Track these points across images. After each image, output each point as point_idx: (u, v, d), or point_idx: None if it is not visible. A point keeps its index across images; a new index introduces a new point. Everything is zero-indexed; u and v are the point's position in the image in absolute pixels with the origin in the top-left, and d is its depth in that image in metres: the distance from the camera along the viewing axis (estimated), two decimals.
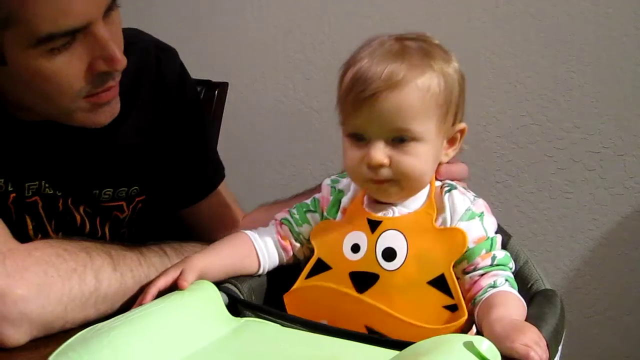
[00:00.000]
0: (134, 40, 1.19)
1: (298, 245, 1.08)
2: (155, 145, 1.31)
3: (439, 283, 0.94)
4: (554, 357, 0.84)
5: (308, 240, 1.06)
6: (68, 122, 1.15)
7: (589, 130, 1.92)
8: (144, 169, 1.31)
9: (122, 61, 1.07)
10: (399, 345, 0.85)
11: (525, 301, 0.93)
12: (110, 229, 1.32)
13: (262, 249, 1.06)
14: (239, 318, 0.96)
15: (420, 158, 0.96)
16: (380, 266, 0.96)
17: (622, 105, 1.88)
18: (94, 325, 0.90)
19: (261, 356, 0.89)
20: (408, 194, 1.00)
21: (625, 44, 1.86)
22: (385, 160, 0.95)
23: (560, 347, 0.88)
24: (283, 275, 1.07)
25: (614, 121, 1.89)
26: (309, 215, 1.08)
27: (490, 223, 0.99)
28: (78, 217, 1.28)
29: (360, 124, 0.96)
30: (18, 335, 0.97)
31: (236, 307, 0.99)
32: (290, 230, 1.08)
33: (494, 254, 0.96)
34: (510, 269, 0.97)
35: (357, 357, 0.87)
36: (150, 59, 1.29)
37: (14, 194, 1.20)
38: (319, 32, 2.20)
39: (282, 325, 0.94)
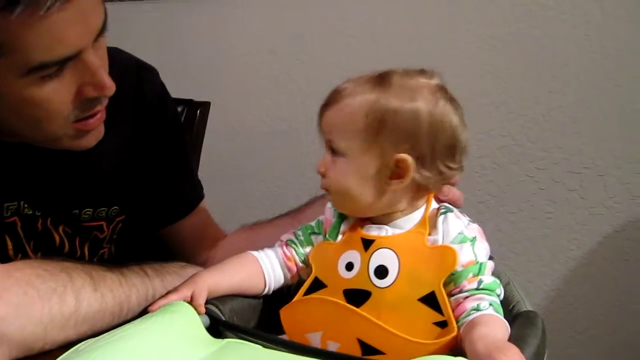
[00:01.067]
0: (115, 59, 1.18)
1: (303, 266, 1.09)
2: (134, 165, 1.31)
3: (430, 300, 0.94)
4: None
5: None
6: (53, 147, 1.15)
7: (569, 150, 1.93)
8: (123, 189, 1.30)
9: (111, 87, 1.07)
10: None
11: (507, 322, 0.94)
12: (90, 249, 1.31)
13: (269, 269, 1.08)
14: (220, 339, 0.96)
15: (343, 173, 1.01)
16: (373, 283, 0.97)
17: (603, 126, 1.90)
18: (76, 346, 0.89)
19: None
20: (346, 209, 1.05)
21: (605, 66, 1.87)
22: (322, 169, 1.03)
23: None
24: (265, 298, 1.07)
25: (595, 142, 1.91)
26: (313, 237, 1.09)
27: (482, 248, 0.99)
28: (57, 237, 1.27)
29: (321, 130, 1.04)
30: None
31: (217, 328, 0.98)
32: (296, 252, 1.09)
33: (480, 278, 0.96)
34: (498, 295, 0.97)
35: None
36: (131, 78, 1.29)
37: None
38: (301, 52, 2.20)
39: (264, 346, 0.94)
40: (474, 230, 1.00)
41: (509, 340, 0.88)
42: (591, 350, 1.98)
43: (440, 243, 0.99)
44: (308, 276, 1.06)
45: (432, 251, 0.98)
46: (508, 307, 1.00)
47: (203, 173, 1.49)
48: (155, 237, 1.43)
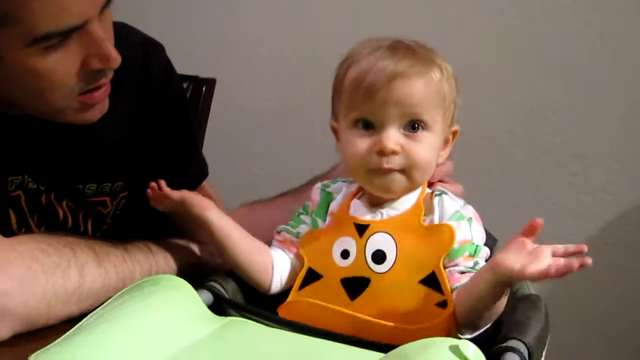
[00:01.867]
0: (121, 34, 1.17)
1: (295, 241, 1.07)
2: (139, 141, 1.30)
3: (430, 281, 0.94)
4: None
5: None
6: (57, 120, 1.14)
7: (574, 134, 1.93)
8: (127, 164, 1.30)
9: (116, 59, 1.06)
10: (385, 347, 0.85)
11: (510, 306, 0.94)
12: (93, 224, 1.30)
13: (277, 258, 1.06)
14: (222, 317, 0.96)
15: (429, 148, 0.98)
16: (371, 269, 0.96)
17: (606, 116, 1.89)
18: (80, 323, 0.89)
19: (244, 355, 0.88)
20: (411, 187, 1.00)
21: (609, 52, 1.87)
22: (397, 147, 0.96)
23: (544, 352, 0.89)
24: None
25: (598, 128, 1.90)
26: (302, 217, 1.08)
27: (478, 231, 0.99)
28: (61, 212, 1.26)
29: (371, 111, 0.97)
30: (0, 330, 0.96)
31: (220, 306, 0.98)
32: (289, 233, 1.07)
33: (476, 260, 0.96)
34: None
35: (341, 357, 0.87)
36: (137, 54, 1.28)
37: None
38: (306, 31, 2.19)
39: (267, 325, 0.94)
40: (470, 211, 1.00)
41: (512, 324, 0.89)
42: (593, 335, 1.99)
43: (436, 222, 0.98)
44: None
45: (429, 230, 0.97)
46: (512, 290, 1.01)
47: (207, 150, 1.49)
48: (158, 214, 1.43)
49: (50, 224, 1.25)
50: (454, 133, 1.05)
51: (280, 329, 0.93)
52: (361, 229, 0.99)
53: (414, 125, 0.97)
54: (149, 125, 1.30)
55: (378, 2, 2.08)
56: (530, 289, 1.01)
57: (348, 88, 0.99)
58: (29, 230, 1.23)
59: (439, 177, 1.09)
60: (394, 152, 0.96)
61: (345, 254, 0.98)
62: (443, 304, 0.92)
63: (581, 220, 1.95)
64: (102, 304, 0.98)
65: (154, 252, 1.15)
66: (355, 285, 0.96)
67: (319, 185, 1.10)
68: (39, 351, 0.82)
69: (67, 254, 1.05)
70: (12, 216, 1.21)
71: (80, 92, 1.08)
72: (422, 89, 0.96)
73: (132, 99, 1.27)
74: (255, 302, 1.03)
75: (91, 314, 0.92)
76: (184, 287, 0.97)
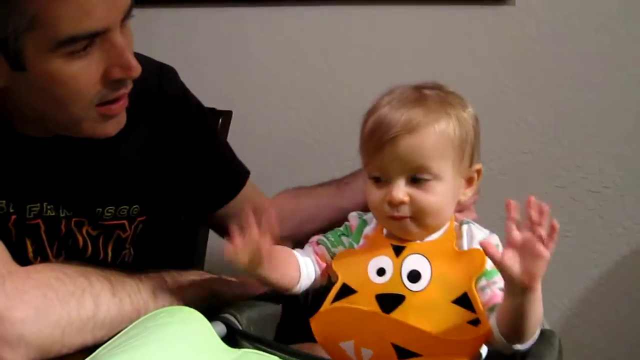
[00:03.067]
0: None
1: (327, 263, 1.12)
2: (158, 164, 1.32)
3: (463, 301, 0.98)
4: None
5: None
6: (75, 134, 1.16)
7: (589, 169, 1.92)
8: (145, 187, 1.31)
9: (137, 68, 1.09)
10: None
11: None
12: (113, 250, 1.32)
13: (303, 266, 1.11)
14: (236, 349, 0.96)
15: (437, 195, 1.02)
16: (406, 287, 1.00)
17: (624, 145, 1.89)
18: (95, 352, 0.89)
19: None
20: (427, 232, 1.05)
21: (628, 84, 1.86)
22: (405, 198, 1.01)
23: None
24: (282, 308, 1.07)
25: (615, 161, 1.90)
26: (343, 239, 1.13)
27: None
28: (80, 239, 1.27)
29: (381, 166, 1.03)
30: (14, 358, 0.97)
31: (234, 337, 0.98)
32: (327, 250, 1.13)
33: None
34: None
35: None
36: (152, 79, 1.30)
37: (14, 216, 1.20)
38: (322, 62, 2.20)
39: (280, 357, 0.94)
40: (497, 239, 1.04)
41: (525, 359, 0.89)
42: None
43: (465, 248, 1.04)
44: (336, 279, 1.08)
45: (462, 254, 1.02)
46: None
47: None
48: (173, 241, 1.44)
49: (69, 252, 1.27)
50: (478, 171, 1.09)
51: None
52: (398, 249, 1.04)
53: (419, 177, 1.01)
54: (171, 147, 1.32)
55: (396, 39, 2.09)
56: (545, 324, 1.00)
57: (364, 140, 1.06)
58: (45, 259, 1.24)
59: (464, 207, 1.15)
60: (402, 203, 1.02)
61: (381, 272, 1.03)
62: (475, 322, 0.96)
63: (596, 255, 1.94)
64: (116, 334, 0.99)
65: (168, 283, 1.16)
66: (389, 301, 1.00)
67: (354, 213, 1.16)
68: None
69: (83, 283, 1.06)
70: (29, 245, 1.23)
71: (100, 102, 1.10)
72: (424, 142, 1.01)
73: (150, 122, 1.29)
74: (269, 335, 1.05)
75: (106, 344, 0.92)
76: (198, 319, 0.97)
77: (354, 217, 1.15)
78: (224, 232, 1.34)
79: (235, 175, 1.45)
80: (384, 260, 1.04)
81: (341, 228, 1.15)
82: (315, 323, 1.03)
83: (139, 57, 1.24)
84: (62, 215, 1.24)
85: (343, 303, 1.03)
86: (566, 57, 1.91)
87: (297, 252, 1.13)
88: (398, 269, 1.02)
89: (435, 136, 1.01)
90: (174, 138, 1.32)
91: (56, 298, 1.03)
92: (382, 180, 1.04)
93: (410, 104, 1.03)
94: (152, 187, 1.32)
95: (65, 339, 1.02)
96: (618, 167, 1.90)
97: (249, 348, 0.96)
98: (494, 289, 0.98)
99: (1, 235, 1.12)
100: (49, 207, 1.22)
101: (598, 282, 1.95)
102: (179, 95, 1.36)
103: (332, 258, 1.12)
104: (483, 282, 0.99)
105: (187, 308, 1.00)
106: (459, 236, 1.05)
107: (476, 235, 1.05)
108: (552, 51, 1.92)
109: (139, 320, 0.97)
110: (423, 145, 1.01)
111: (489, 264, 0.98)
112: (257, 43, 2.31)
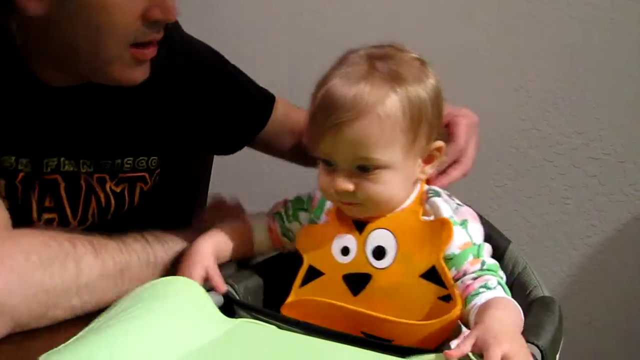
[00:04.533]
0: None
1: (287, 240, 1.11)
2: (178, 110, 1.35)
3: (431, 275, 0.94)
4: None
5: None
6: (101, 77, 1.18)
7: (589, 136, 1.92)
8: (164, 137, 1.34)
9: (175, 13, 1.14)
10: (396, 349, 0.85)
11: (524, 308, 0.93)
12: (138, 202, 1.34)
13: (257, 237, 1.12)
14: (233, 319, 0.96)
15: (386, 184, 0.96)
16: (372, 265, 0.97)
17: (624, 112, 1.88)
18: (89, 325, 0.89)
19: (255, 357, 0.88)
20: (380, 213, 1.00)
21: (628, 51, 1.85)
22: (350, 187, 0.96)
23: (558, 355, 0.88)
24: (279, 277, 1.07)
25: (615, 127, 1.89)
26: (300, 215, 1.09)
27: (476, 230, 0.99)
28: (102, 196, 1.29)
29: (326, 151, 0.97)
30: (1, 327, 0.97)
31: (231, 307, 0.98)
32: (281, 227, 1.11)
33: (482, 260, 0.95)
34: (501, 277, 0.96)
35: None
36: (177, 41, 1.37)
37: (22, 173, 1.20)
38: (321, 30, 2.18)
39: (278, 327, 0.94)
40: (464, 213, 1.00)
41: (526, 326, 0.88)
42: (607, 337, 1.97)
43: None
44: (290, 247, 1.09)
45: (427, 225, 0.98)
46: (525, 292, 1.00)
47: (220, 159, 1.50)
48: (177, 198, 1.45)
49: (90, 210, 1.29)
50: (438, 149, 1.02)
51: (291, 330, 0.93)
52: (360, 225, 1.00)
53: (366, 166, 0.95)
54: (189, 92, 1.35)
55: (391, 4, 2.07)
56: (544, 291, 1.00)
57: (311, 117, 0.99)
58: (63, 218, 1.26)
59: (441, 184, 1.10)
60: (346, 191, 0.96)
61: (345, 251, 0.99)
62: (446, 298, 0.93)
63: (597, 222, 1.94)
64: (101, 295, 1.03)
65: (150, 242, 1.17)
66: (357, 281, 0.97)
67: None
68: (49, 352, 0.82)
69: (67, 247, 1.06)
70: (34, 203, 1.23)
71: (135, 42, 1.13)
72: (369, 130, 0.93)
73: (167, 71, 1.32)
74: (267, 304, 1.04)
75: (101, 314, 0.92)
76: (195, 289, 0.97)
77: (318, 193, 1.08)
78: (270, 151, 1.55)
79: (261, 104, 1.49)
80: (347, 239, 1.00)
81: (304, 198, 1.10)
82: (286, 311, 0.99)
83: None
84: (82, 170, 1.26)
85: (311, 289, 1.00)
86: (565, 22, 1.89)
87: (253, 223, 1.13)
88: (362, 247, 0.98)
89: (380, 123, 0.93)
90: (191, 83, 1.35)
91: (39, 262, 1.02)
92: (330, 165, 0.98)
93: (357, 80, 0.94)
94: (172, 136, 1.35)
95: (50, 301, 1.02)
96: (618, 134, 1.89)
97: (246, 318, 0.96)
98: (465, 281, 0.94)
99: (7, 192, 1.16)
100: (67, 162, 1.24)
101: (598, 249, 1.95)
102: (187, 42, 1.40)
103: (283, 235, 1.11)
104: (453, 271, 0.95)
105: (184, 278, 1.00)
106: (424, 209, 1.00)
107: (442, 210, 0.98)
108: (551, 17, 1.91)
109: (135, 291, 0.97)
110: (367, 134, 0.93)
111: (455, 248, 0.95)
112: (253, 13, 2.29)
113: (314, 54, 2.19)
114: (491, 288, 0.92)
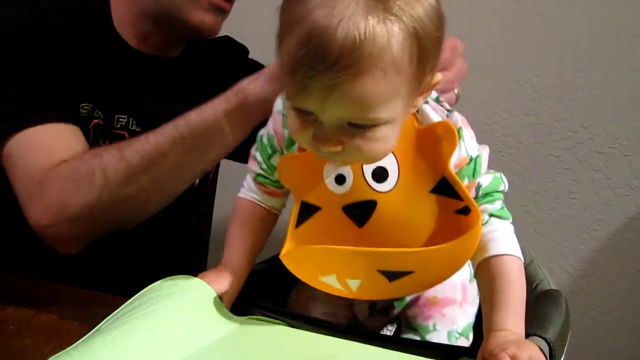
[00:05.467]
0: None
1: (283, 190, 1.00)
2: None
3: (443, 188, 0.84)
4: (560, 358, 0.84)
5: None
6: (178, 15, 1.31)
7: (595, 130, 1.91)
8: None
9: None
10: (405, 343, 0.85)
11: (530, 301, 0.92)
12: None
13: (267, 204, 1.01)
14: (240, 317, 0.96)
15: (383, 140, 0.80)
16: (374, 190, 0.85)
17: (629, 106, 1.87)
18: (97, 326, 0.89)
19: (263, 355, 0.88)
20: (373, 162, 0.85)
21: (632, 45, 1.85)
22: (339, 148, 0.79)
23: (565, 348, 0.88)
24: (284, 275, 1.07)
25: (620, 121, 1.88)
26: (274, 161, 0.96)
27: (469, 137, 0.87)
28: None
29: (307, 106, 0.78)
30: (73, 250, 1.20)
31: (239, 305, 0.98)
32: (269, 184, 0.99)
33: (478, 183, 0.87)
34: (502, 191, 0.89)
35: (359, 359, 0.86)
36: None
37: (96, 120, 1.32)
38: None
39: (287, 324, 0.93)
40: (456, 119, 0.87)
41: (533, 319, 0.88)
42: (614, 331, 1.97)
43: None
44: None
45: (426, 132, 0.84)
46: (532, 285, 1.00)
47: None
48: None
49: None
50: (436, 83, 0.84)
51: (300, 327, 0.93)
52: None
53: (359, 125, 0.78)
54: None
55: None
56: (551, 284, 1.00)
57: (285, 62, 0.77)
58: None
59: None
60: (335, 152, 0.80)
61: (340, 179, 0.86)
62: (464, 210, 0.83)
63: (602, 216, 1.94)
64: (135, 186, 1.16)
65: (185, 115, 1.18)
66: (360, 211, 0.85)
67: (279, 106, 0.94)
68: (57, 354, 0.82)
69: (93, 163, 1.16)
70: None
71: None
72: (370, 88, 0.75)
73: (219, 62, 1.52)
74: (274, 301, 1.03)
75: (109, 316, 0.92)
76: (202, 287, 0.97)
77: (277, 117, 0.93)
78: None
79: None
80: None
81: (265, 142, 0.96)
82: (287, 261, 0.88)
83: None
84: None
85: (309, 228, 0.87)
86: (569, 17, 1.89)
87: (253, 197, 1.01)
88: (359, 171, 0.85)
89: (385, 78, 0.74)
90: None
91: (72, 187, 1.15)
92: (308, 114, 0.79)
93: (352, 17, 0.72)
94: None
95: (97, 216, 1.16)
96: (623, 128, 1.89)
97: (254, 315, 0.96)
98: (485, 204, 0.86)
99: None
100: (134, 122, 1.36)
101: (605, 243, 1.94)
102: (249, 60, 1.59)
103: (278, 187, 0.98)
104: (472, 192, 0.86)
105: (190, 277, 1.00)
106: (416, 117, 0.86)
107: (433, 117, 0.85)
108: (555, 12, 1.90)
109: (143, 290, 0.97)
110: (369, 93, 0.75)
111: (454, 165, 0.84)
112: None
113: None
114: (485, 225, 0.86)
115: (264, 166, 0.97)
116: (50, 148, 1.20)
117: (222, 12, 1.34)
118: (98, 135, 1.33)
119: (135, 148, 1.16)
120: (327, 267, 0.87)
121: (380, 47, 0.73)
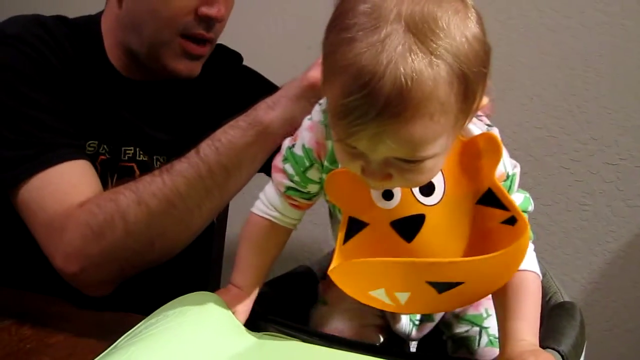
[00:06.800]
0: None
1: (311, 202, 1.00)
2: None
3: (489, 199, 0.84)
4: None
5: (320, 188, 0.97)
6: (154, 60, 1.32)
7: (605, 142, 1.91)
8: None
9: (220, 11, 1.29)
10: (419, 357, 0.85)
11: (544, 313, 0.93)
12: None
13: (281, 220, 1.00)
14: (256, 333, 0.96)
15: (432, 170, 0.82)
16: (422, 203, 0.85)
17: (639, 116, 1.87)
18: (115, 343, 0.90)
19: None
20: None
21: None
22: (388, 180, 0.81)
23: None
24: (299, 287, 1.07)
25: (631, 132, 1.88)
26: (310, 174, 0.96)
27: (506, 155, 0.89)
28: None
29: (356, 145, 0.79)
30: (96, 293, 1.19)
31: (254, 321, 0.98)
32: (301, 197, 0.98)
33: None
34: (529, 212, 0.91)
35: None
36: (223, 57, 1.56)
37: (102, 156, 1.32)
38: None
39: (302, 340, 0.94)
40: (497, 133, 0.87)
41: (547, 331, 0.88)
42: (628, 343, 1.96)
43: None
44: (324, 199, 0.97)
45: (470, 144, 0.85)
46: (545, 298, 1.00)
47: None
48: None
49: None
50: (483, 106, 0.83)
51: (315, 342, 0.93)
52: None
53: (407, 160, 0.79)
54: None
55: None
56: (564, 296, 1.00)
57: (332, 106, 0.79)
58: None
59: None
60: (382, 186, 0.84)
61: (387, 195, 0.86)
62: (510, 220, 0.83)
63: (615, 227, 1.93)
64: (156, 230, 1.15)
65: (201, 149, 1.18)
66: (408, 226, 0.85)
67: (318, 115, 0.94)
68: None
69: (111, 208, 1.15)
70: (109, 185, 1.33)
71: (184, 32, 1.29)
72: (420, 131, 0.75)
73: (228, 87, 1.52)
74: (290, 317, 1.03)
75: (126, 334, 0.92)
76: (218, 303, 0.97)
77: (317, 128, 0.92)
78: None
79: None
80: None
81: (300, 154, 0.94)
82: (336, 276, 0.86)
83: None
84: (155, 165, 1.37)
85: (357, 244, 0.87)
86: (577, 30, 1.89)
87: (268, 214, 0.99)
88: None
89: (433, 120, 0.74)
90: (250, 101, 1.39)
91: (93, 234, 1.14)
92: (355, 148, 0.79)
93: (401, 61, 0.71)
94: None
95: (124, 259, 1.16)
96: (634, 139, 1.88)
97: (269, 331, 0.96)
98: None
99: None
100: (141, 152, 1.36)
101: (618, 255, 1.94)
102: (243, 68, 1.60)
103: (308, 199, 0.98)
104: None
105: (206, 292, 1.00)
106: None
107: (475, 132, 0.87)
108: (563, 25, 1.91)
109: (159, 309, 0.97)
110: (418, 136, 0.75)
111: (501, 166, 0.85)
112: (271, 30, 2.30)
113: None
114: None
115: (297, 179, 0.96)
116: (63, 190, 1.19)
117: (197, 57, 1.34)
118: (105, 170, 1.33)
119: (151, 190, 1.15)
120: (376, 281, 0.86)
121: (427, 92, 0.72)
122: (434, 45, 0.73)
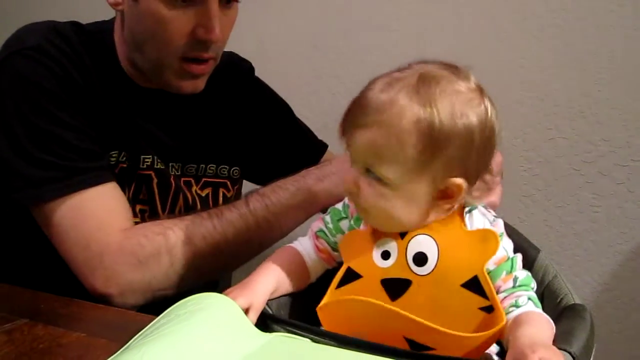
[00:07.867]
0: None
1: (336, 253, 1.09)
2: (252, 131, 1.52)
3: (473, 285, 0.93)
4: None
5: None
6: (158, 79, 1.34)
7: (616, 143, 1.91)
8: (241, 151, 1.50)
9: (216, 35, 1.28)
10: (431, 358, 0.85)
11: (555, 315, 0.93)
12: (222, 204, 1.42)
13: (309, 262, 1.10)
14: (267, 333, 0.96)
15: (383, 199, 0.95)
16: (412, 271, 0.95)
17: None
18: (127, 343, 0.90)
19: None
20: (387, 229, 0.99)
21: None
22: (355, 189, 0.97)
23: None
24: (311, 291, 1.07)
25: None
26: (342, 224, 1.08)
27: (508, 243, 0.99)
28: (190, 196, 1.41)
29: (347, 144, 0.98)
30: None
31: (265, 322, 0.99)
32: (327, 242, 1.09)
33: (515, 275, 0.95)
34: (532, 288, 0.96)
35: None
36: (235, 67, 1.61)
37: (122, 164, 1.34)
38: (345, 47, 2.20)
39: (313, 340, 0.94)
40: (501, 226, 0.99)
41: (557, 333, 0.88)
42: (639, 345, 1.95)
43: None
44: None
45: (472, 234, 0.96)
46: (556, 300, 1.00)
47: None
48: None
49: (177, 207, 1.40)
50: (457, 187, 0.95)
51: (326, 343, 0.93)
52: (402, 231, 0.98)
53: (372, 172, 0.95)
54: (259, 119, 1.55)
55: (416, 19, 2.08)
56: (575, 298, 1.00)
57: (347, 108, 0.99)
58: (153, 210, 1.37)
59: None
60: (351, 194, 0.99)
61: (385, 255, 0.97)
62: (487, 309, 0.92)
63: (627, 229, 1.93)
64: (201, 272, 1.21)
65: (250, 202, 1.26)
66: (395, 286, 0.95)
67: None
68: None
69: (159, 242, 1.19)
70: (127, 193, 1.35)
71: (184, 56, 1.29)
72: (379, 139, 0.93)
73: (241, 96, 1.56)
74: (299, 318, 1.03)
75: (138, 333, 0.93)
76: (229, 304, 0.97)
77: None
78: None
79: (315, 145, 1.63)
80: (389, 243, 0.97)
81: (340, 208, 1.10)
82: (323, 313, 0.98)
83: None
84: (171, 172, 1.38)
85: (348, 290, 0.98)
86: (589, 30, 1.89)
87: (301, 249, 1.11)
88: (403, 252, 0.96)
89: (389, 138, 0.92)
90: (261, 112, 1.53)
91: (139, 263, 1.18)
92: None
93: (393, 90, 0.93)
94: (247, 152, 1.50)
95: (161, 290, 1.21)
96: None
97: (280, 332, 0.97)
98: (522, 291, 0.94)
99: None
100: (159, 160, 1.37)
101: (629, 257, 1.94)
102: (255, 79, 1.63)
103: (333, 250, 1.09)
104: (502, 295, 0.94)
105: (217, 294, 1.00)
106: (464, 220, 0.99)
107: (481, 223, 0.98)
108: (575, 26, 1.90)
109: (171, 308, 0.98)
110: (376, 144, 0.93)
111: (491, 264, 0.94)
112: (278, 28, 2.31)
113: (337, 73, 2.21)
114: (520, 306, 0.92)
115: (330, 225, 1.09)
116: (99, 215, 1.22)
117: (199, 76, 1.35)
118: (123, 179, 1.34)
119: (201, 233, 1.21)
120: (358, 323, 0.94)
121: (398, 114, 0.91)
122: (428, 96, 0.92)
